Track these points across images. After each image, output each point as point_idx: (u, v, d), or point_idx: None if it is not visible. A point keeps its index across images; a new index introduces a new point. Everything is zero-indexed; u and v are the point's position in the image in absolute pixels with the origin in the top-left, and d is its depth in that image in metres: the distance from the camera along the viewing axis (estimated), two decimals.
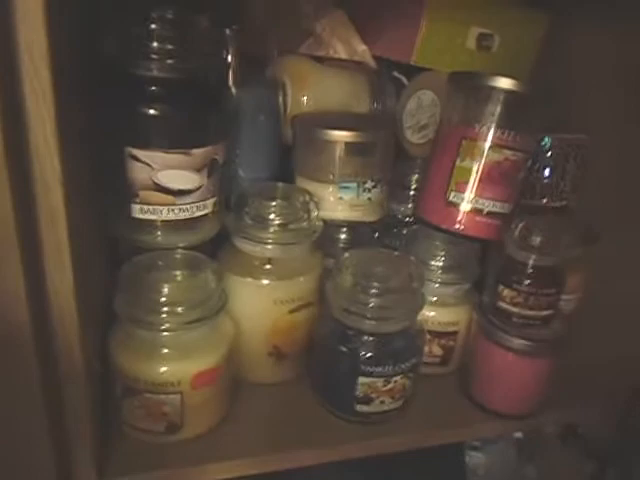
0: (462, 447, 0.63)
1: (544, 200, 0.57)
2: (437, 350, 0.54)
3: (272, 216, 0.48)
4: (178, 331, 0.42)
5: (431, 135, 0.60)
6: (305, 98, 0.59)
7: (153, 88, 0.40)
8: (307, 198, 0.50)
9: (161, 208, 0.43)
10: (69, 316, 0.34)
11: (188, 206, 0.44)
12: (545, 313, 0.49)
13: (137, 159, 0.41)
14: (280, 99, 0.58)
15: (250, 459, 0.45)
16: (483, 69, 0.55)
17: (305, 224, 0.49)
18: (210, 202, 0.46)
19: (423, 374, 0.52)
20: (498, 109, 0.49)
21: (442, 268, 0.53)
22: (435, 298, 0.53)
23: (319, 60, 0.62)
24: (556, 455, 0.64)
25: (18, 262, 0.30)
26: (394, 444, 0.50)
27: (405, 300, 0.47)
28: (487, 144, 0.49)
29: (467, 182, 0.51)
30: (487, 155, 0.50)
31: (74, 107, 0.36)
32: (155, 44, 0.40)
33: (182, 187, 0.43)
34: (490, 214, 0.51)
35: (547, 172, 0.56)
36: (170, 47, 0.41)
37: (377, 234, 0.58)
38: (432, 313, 0.53)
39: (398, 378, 0.47)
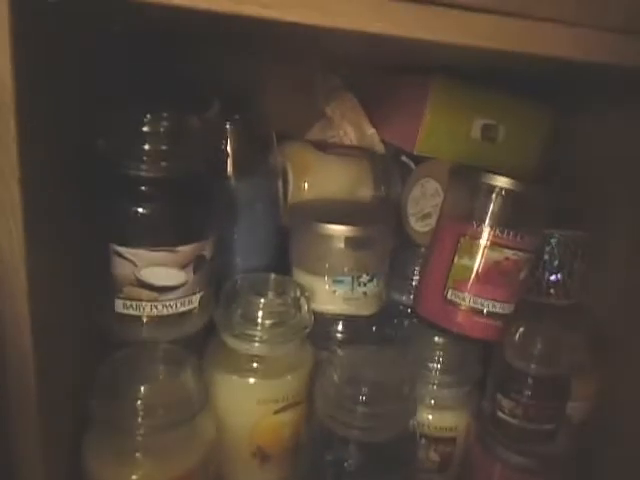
0: None
1: (550, 298, 0.54)
2: (434, 456, 0.51)
3: (261, 314, 0.47)
4: (153, 435, 0.40)
5: (434, 224, 0.59)
6: (306, 185, 0.59)
7: (139, 187, 0.41)
8: (298, 293, 0.49)
9: (144, 304, 0.43)
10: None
11: (172, 302, 0.44)
12: (548, 427, 0.46)
13: (121, 256, 0.41)
14: (280, 186, 0.58)
15: None
16: (488, 160, 0.55)
17: (295, 321, 0.48)
18: (196, 297, 0.45)
19: None
20: (498, 207, 0.48)
21: (440, 369, 0.50)
22: (432, 401, 0.50)
23: (322, 147, 0.62)
24: None
25: None
26: None
27: (396, 408, 0.44)
28: (486, 242, 0.48)
29: (466, 281, 0.49)
30: (486, 254, 0.48)
31: (54, 206, 0.36)
32: (146, 146, 0.40)
33: (166, 284, 0.43)
34: (490, 315, 0.49)
35: (553, 269, 0.53)
36: (162, 148, 0.41)
37: (375, 327, 0.56)
38: (429, 417, 0.50)
39: None
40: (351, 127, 0.69)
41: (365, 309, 0.53)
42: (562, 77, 0.55)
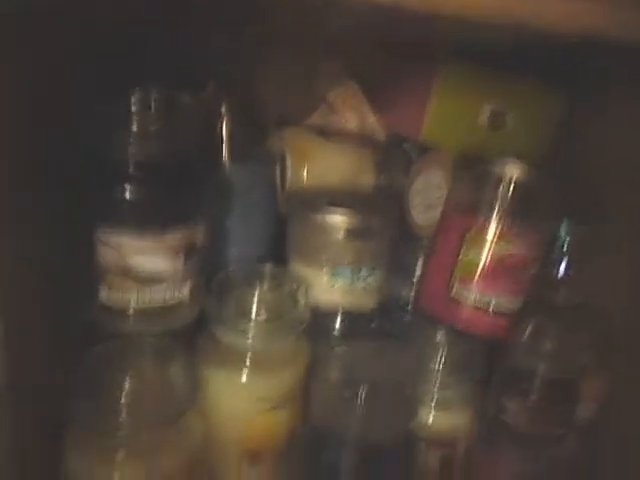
0: None
1: (559, 296, 0.51)
2: (434, 460, 0.49)
3: (255, 306, 0.44)
4: (137, 435, 0.38)
5: (437, 217, 0.56)
6: (305, 172, 0.56)
7: (125, 168, 0.38)
8: (295, 285, 0.46)
9: (130, 294, 0.40)
10: None
11: (160, 293, 0.41)
12: (555, 431, 0.43)
13: (105, 243, 0.39)
14: (278, 172, 0.55)
15: None
16: (496, 148, 0.52)
17: (292, 315, 0.45)
18: (186, 288, 0.42)
19: None
20: (506, 199, 0.45)
21: (442, 368, 0.48)
22: (433, 401, 0.48)
23: (323, 134, 0.60)
24: None
25: None
26: None
27: (396, 409, 0.42)
28: (494, 237, 0.45)
29: (472, 277, 0.46)
30: (494, 249, 0.45)
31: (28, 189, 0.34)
32: (133, 128, 0.37)
33: (153, 273, 0.40)
34: (496, 312, 0.46)
35: (562, 265, 0.51)
36: (150, 128, 0.38)
37: (374, 323, 0.53)
38: (429, 418, 0.48)
39: None
40: (353, 114, 0.67)
41: (365, 303, 0.51)
42: (574, 63, 0.52)
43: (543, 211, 0.47)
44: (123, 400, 0.38)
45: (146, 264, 0.40)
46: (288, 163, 0.56)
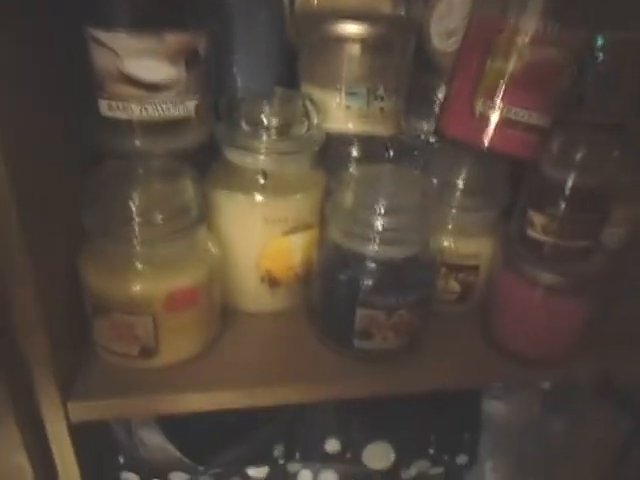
0: (479, 395, 0.57)
1: (593, 115, 0.47)
2: (454, 286, 0.48)
3: (267, 120, 0.41)
4: (151, 244, 0.37)
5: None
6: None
7: None
8: (307, 102, 0.43)
9: (131, 104, 0.38)
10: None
11: (164, 104, 0.38)
12: (583, 244, 0.41)
13: (99, 42, 0.36)
14: None
15: (234, 392, 0.41)
16: None
17: (304, 131, 0.43)
18: (191, 102, 0.40)
19: (438, 312, 0.46)
20: None
21: (464, 191, 0.46)
22: (453, 226, 0.46)
23: None
24: (587, 409, 0.57)
25: None
26: (398, 386, 0.44)
27: (415, 221, 0.40)
28: (525, 39, 0.41)
29: (499, 87, 0.42)
30: (525, 53, 0.41)
31: None
32: None
33: (154, 79, 0.37)
34: (526, 127, 0.43)
35: (598, 80, 0.46)
36: None
37: (391, 153, 0.50)
38: (450, 243, 0.46)
39: (403, 312, 0.41)
40: None
41: (382, 128, 0.47)
42: None
43: (580, 13, 0.42)
44: (134, 210, 0.36)
45: (146, 68, 0.37)
46: None
